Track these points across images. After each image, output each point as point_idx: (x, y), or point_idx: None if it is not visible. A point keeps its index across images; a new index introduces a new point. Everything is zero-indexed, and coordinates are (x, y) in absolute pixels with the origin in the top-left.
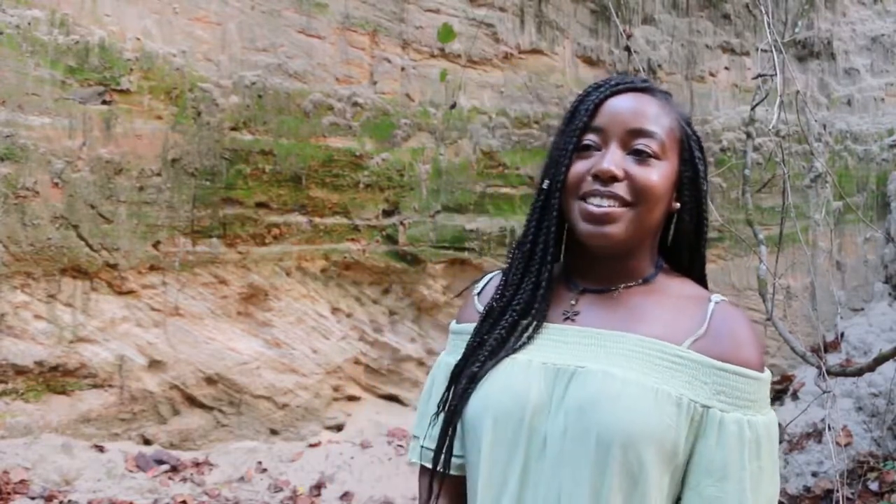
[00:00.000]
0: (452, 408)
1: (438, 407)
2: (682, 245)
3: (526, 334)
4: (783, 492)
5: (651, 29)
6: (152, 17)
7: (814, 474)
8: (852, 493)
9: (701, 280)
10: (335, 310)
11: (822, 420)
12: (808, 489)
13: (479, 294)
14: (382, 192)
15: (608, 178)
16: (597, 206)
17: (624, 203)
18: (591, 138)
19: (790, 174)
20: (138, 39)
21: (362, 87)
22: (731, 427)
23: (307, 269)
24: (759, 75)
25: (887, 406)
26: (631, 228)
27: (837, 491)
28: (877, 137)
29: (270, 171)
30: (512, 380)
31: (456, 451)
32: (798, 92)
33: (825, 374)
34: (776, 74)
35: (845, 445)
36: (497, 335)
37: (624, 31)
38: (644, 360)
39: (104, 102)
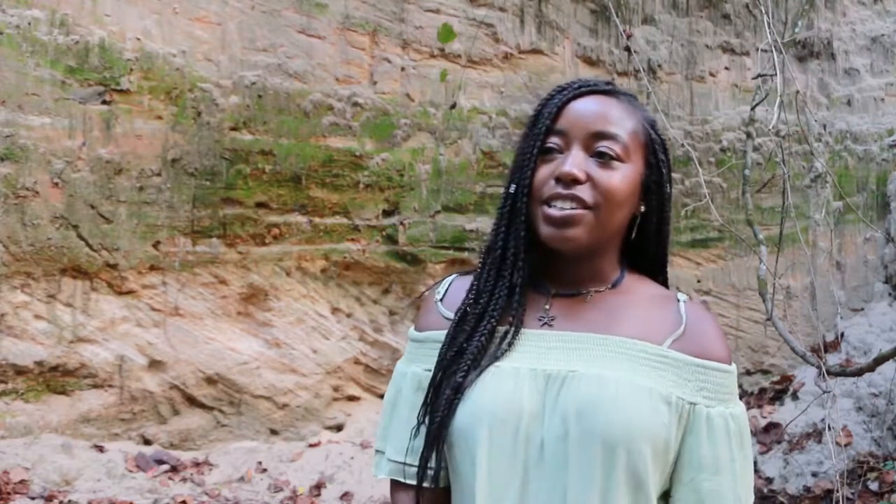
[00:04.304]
0: (439, 420)
1: (419, 419)
2: (647, 248)
3: (506, 341)
4: (783, 491)
5: (651, 29)
6: (152, 17)
7: (814, 474)
8: (852, 493)
9: (663, 280)
10: (335, 310)
11: (822, 420)
12: (808, 489)
13: (441, 300)
14: (382, 192)
15: (570, 181)
16: (559, 209)
17: (585, 206)
18: (553, 141)
19: (790, 174)
20: (138, 39)
21: (362, 87)
22: (718, 421)
23: (307, 269)
24: (759, 75)
25: (887, 406)
26: (593, 232)
27: (837, 491)
28: (877, 137)
29: (270, 171)
30: (502, 388)
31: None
32: (798, 92)
33: (825, 374)
34: (776, 74)
35: (845, 445)
36: (477, 343)
37: (624, 31)
38: (630, 360)
39: (104, 102)
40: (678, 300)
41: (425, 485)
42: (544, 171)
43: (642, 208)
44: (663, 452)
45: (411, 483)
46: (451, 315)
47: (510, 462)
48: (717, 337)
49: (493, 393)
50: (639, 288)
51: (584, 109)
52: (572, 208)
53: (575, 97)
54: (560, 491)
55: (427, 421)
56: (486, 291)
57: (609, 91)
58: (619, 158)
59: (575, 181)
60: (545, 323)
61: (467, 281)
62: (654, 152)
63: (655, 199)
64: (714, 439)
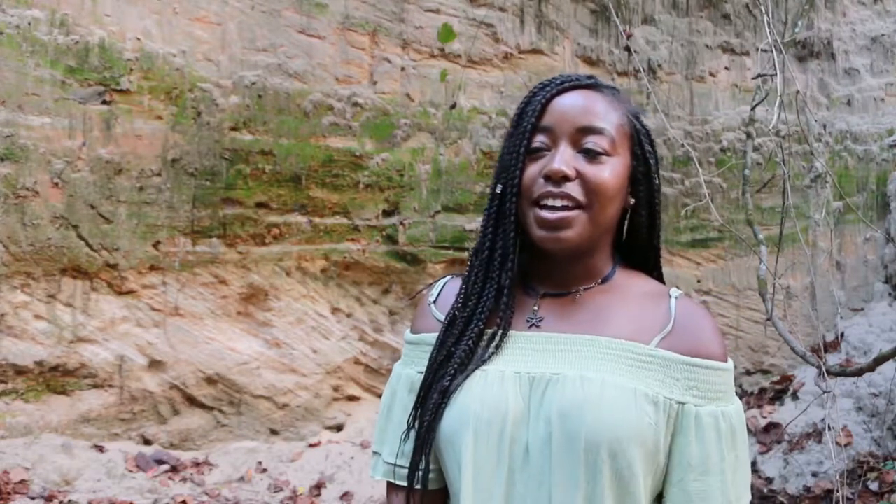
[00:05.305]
0: (426, 424)
1: (408, 423)
2: (638, 240)
3: (493, 344)
4: (783, 492)
5: (651, 29)
6: (152, 17)
7: (814, 474)
8: (852, 493)
9: (657, 274)
10: (335, 310)
11: (822, 420)
12: (808, 489)
13: (434, 302)
14: (382, 192)
15: (560, 179)
16: (551, 210)
17: (577, 203)
18: (540, 139)
19: (790, 174)
20: (138, 39)
21: (362, 87)
22: (708, 420)
23: (307, 269)
24: (759, 75)
25: (887, 406)
26: (586, 231)
27: (837, 491)
28: (877, 137)
29: (270, 171)
30: (487, 392)
31: (431, 465)
32: (798, 92)
33: (825, 374)
34: (776, 74)
35: (845, 445)
36: (465, 347)
37: (624, 31)
38: (616, 361)
39: (104, 102)
40: (671, 296)
41: (416, 487)
42: (532, 170)
43: (632, 201)
44: (652, 454)
45: (403, 485)
46: (443, 317)
47: (495, 466)
48: (709, 334)
49: (479, 397)
50: (630, 284)
51: (569, 105)
52: (564, 207)
53: (558, 93)
54: (545, 494)
55: (416, 424)
56: (475, 294)
57: (592, 85)
58: (606, 153)
59: (565, 178)
60: (533, 324)
61: (460, 283)
62: (641, 143)
63: (644, 190)
64: (703, 439)
